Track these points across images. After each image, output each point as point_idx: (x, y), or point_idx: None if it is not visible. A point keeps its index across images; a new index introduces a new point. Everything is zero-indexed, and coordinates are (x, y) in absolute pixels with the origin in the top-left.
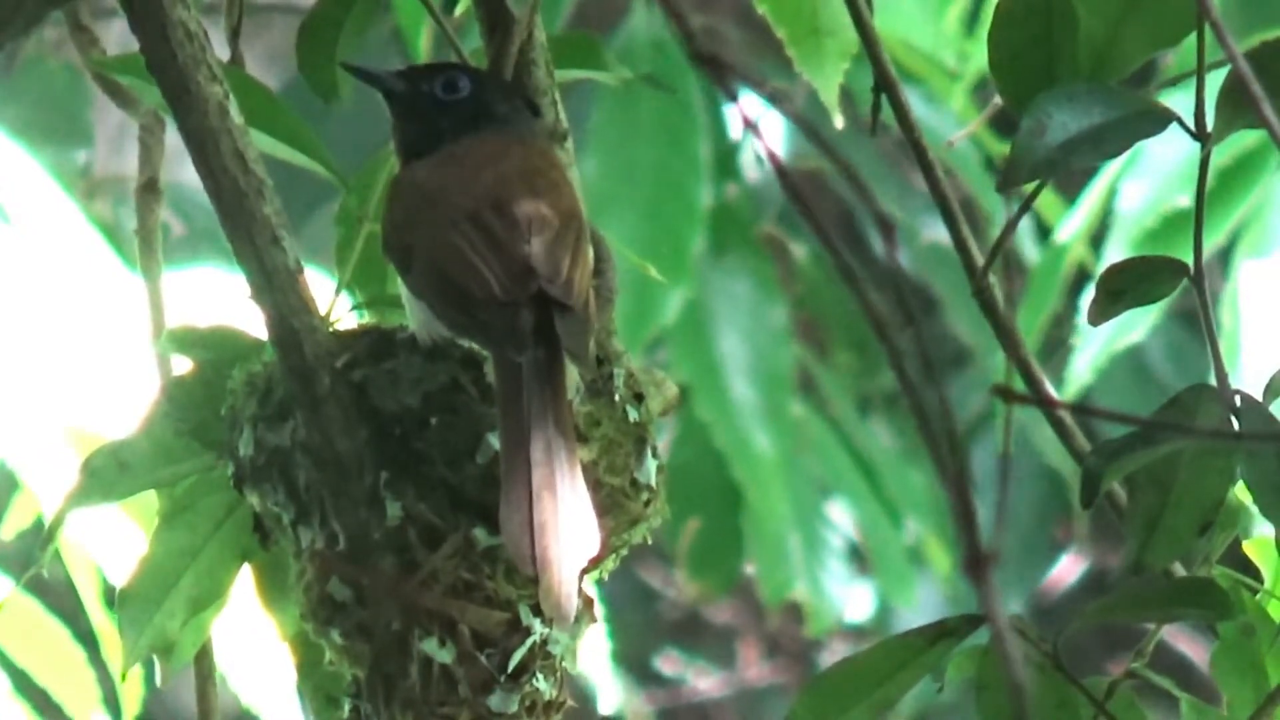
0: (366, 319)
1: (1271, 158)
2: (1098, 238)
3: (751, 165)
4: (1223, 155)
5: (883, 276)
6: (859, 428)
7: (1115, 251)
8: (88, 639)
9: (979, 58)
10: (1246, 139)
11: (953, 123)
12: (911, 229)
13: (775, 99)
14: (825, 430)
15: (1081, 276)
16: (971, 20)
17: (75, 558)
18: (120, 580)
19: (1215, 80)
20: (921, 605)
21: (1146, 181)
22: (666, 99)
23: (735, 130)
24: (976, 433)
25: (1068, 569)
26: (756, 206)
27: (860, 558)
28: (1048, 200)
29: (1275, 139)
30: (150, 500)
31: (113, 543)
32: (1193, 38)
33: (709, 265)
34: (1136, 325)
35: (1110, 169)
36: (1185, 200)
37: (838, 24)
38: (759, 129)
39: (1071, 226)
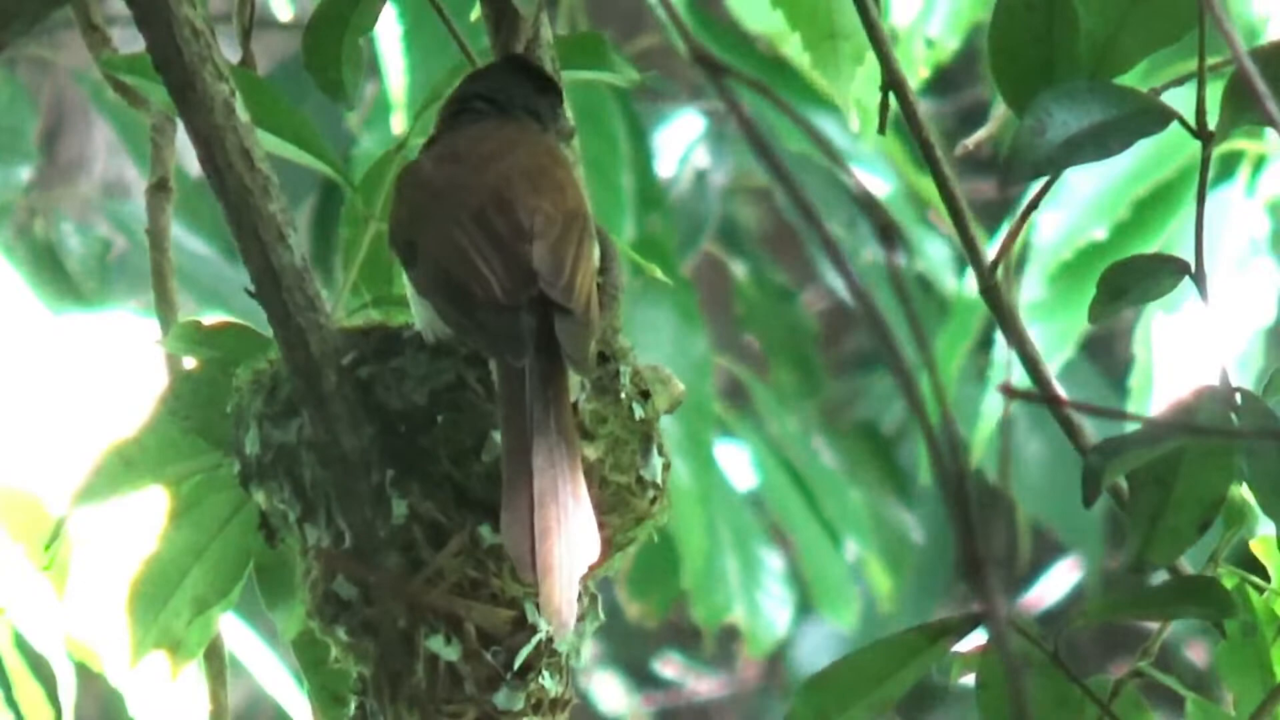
0: (372, 317)
1: (1187, 191)
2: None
3: (687, 185)
4: (1144, 184)
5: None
6: (800, 447)
7: (1032, 284)
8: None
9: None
10: (1165, 168)
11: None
12: (853, 248)
13: (738, 117)
14: (765, 451)
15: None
16: None
17: None
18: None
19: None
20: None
21: (1063, 213)
22: (589, 133)
23: (663, 167)
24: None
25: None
26: (693, 227)
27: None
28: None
29: None
30: (64, 557)
31: (24, 594)
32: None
33: (631, 297)
34: (1052, 357)
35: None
36: (1101, 233)
37: (852, 28)
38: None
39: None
